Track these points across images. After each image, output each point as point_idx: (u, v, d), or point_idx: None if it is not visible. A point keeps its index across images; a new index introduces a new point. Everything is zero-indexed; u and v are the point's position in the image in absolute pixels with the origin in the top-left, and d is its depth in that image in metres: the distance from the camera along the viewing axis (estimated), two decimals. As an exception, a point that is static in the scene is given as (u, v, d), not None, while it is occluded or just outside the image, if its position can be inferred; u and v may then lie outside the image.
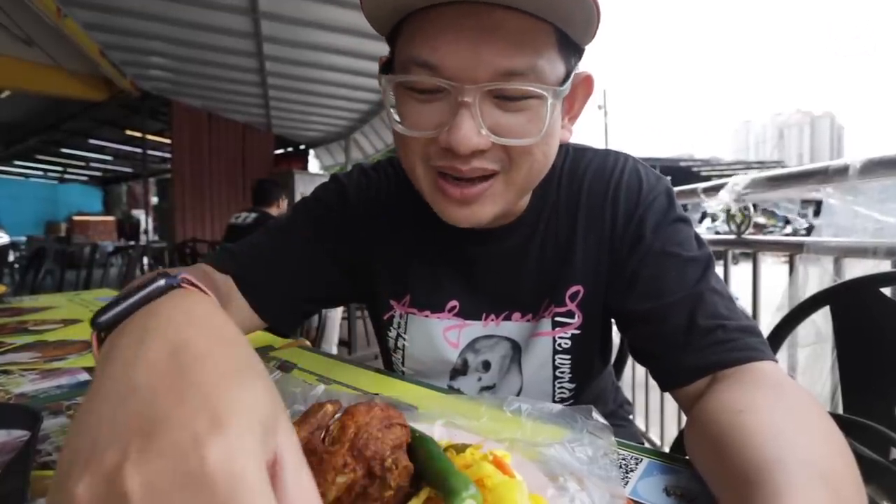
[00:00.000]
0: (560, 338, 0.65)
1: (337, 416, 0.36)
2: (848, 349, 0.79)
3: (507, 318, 0.67)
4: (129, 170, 13.82)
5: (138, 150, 7.47)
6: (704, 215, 1.72)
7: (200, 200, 6.17)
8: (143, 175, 7.25)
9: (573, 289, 0.64)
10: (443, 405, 0.54)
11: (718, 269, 0.60)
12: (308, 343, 0.91)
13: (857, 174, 1.10)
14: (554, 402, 0.63)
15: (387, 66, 0.56)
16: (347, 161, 7.72)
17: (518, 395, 0.68)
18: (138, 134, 6.64)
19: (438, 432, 0.44)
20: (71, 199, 17.60)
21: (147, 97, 5.54)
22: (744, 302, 1.47)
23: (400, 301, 0.70)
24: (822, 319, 0.86)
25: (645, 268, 0.58)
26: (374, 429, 0.33)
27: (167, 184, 7.41)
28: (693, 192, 1.71)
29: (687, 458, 0.45)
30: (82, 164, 13.32)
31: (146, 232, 7.38)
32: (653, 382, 1.11)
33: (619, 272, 0.61)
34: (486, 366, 0.68)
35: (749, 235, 1.57)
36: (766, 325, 0.87)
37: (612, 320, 0.68)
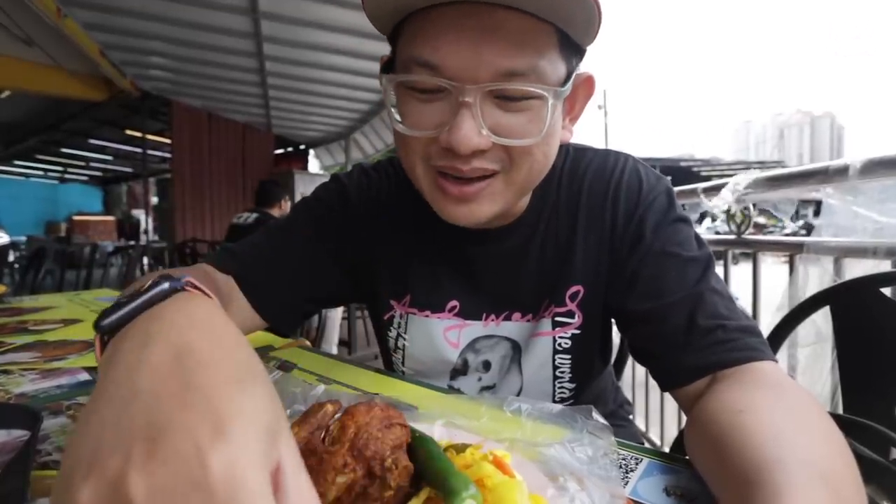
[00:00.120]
0: (560, 338, 0.65)
1: (337, 416, 0.36)
2: (848, 349, 0.79)
3: (508, 318, 0.67)
4: (129, 170, 13.82)
5: (138, 150, 7.47)
6: (703, 215, 1.72)
7: (200, 200, 6.17)
8: (143, 175, 7.25)
9: (573, 289, 0.64)
10: (443, 405, 0.54)
11: (718, 269, 0.60)
12: (308, 343, 0.91)
13: (857, 174, 1.10)
14: (554, 402, 0.63)
15: (388, 66, 0.56)
16: (347, 161, 7.72)
17: (518, 394, 0.68)
18: (138, 134, 6.64)
19: (438, 432, 0.44)
20: (71, 199, 17.60)
21: (147, 97, 5.54)
22: (744, 302, 1.47)
23: (400, 301, 0.70)
24: (822, 319, 0.86)
25: (645, 268, 0.58)
26: (374, 429, 0.33)
27: (167, 184, 7.41)
28: (693, 192, 1.71)
29: (687, 458, 0.45)
30: (82, 164, 13.32)
31: (146, 232, 7.38)
32: (653, 382, 1.11)
33: (619, 272, 0.61)
34: (487, 366, 0.68)
35: (749, 235, 1.57)
36: (766, 325, 0.87)
37: (613, 320, 0.68)
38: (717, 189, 1.59)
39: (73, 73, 4.93)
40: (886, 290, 0.77)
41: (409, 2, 0.47)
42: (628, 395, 1.12)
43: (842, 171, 1.13)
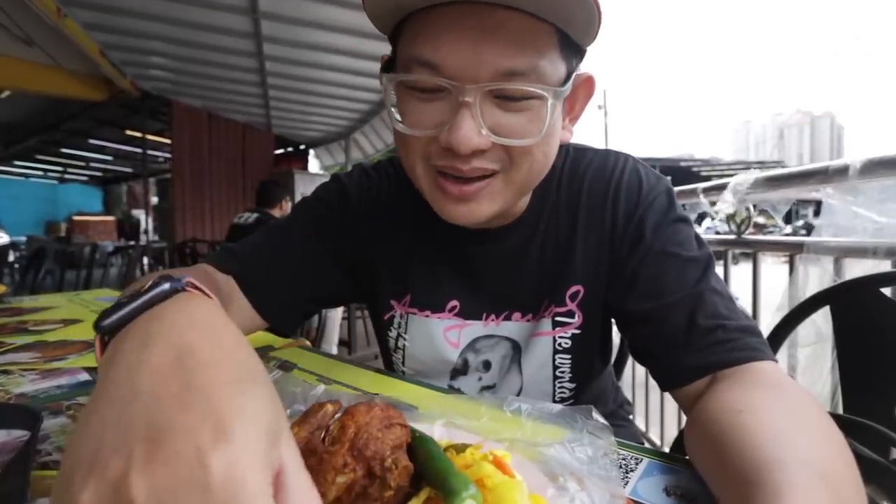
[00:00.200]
0: (560, 337, 0.65)
1: (337, 416, 0.36)
2: (848, 349, 0.79)
3: (508, 318, 0.67)
4: (129, 170, 13.82)
5: (138, 150, 7.47)
6: (703, 215, 1.71)
7: (200, 200, 6.17)
8: (143, 175, 7.25)
9: (573, 289, 0.64)
10: (443, 405, 0.54)
11: (718, 269, 0.60)
12: (308, 343, 0.91)
13: (857, 174, 1.10)
14: (554, 401, 0.63)
15: (388, 65, 0.56)
16: (347, 161, 7.72)
17: (518, 394, 0.68)
18: (138, 134, 6.64)
19: (438, 432, 0.44)
20: (71, 199, 17.60)
21: (147, 97, 5.54)
22: (744, 302, 1.47)
23: (400, 301, 0.70)
24: (822, 319, 0.86)
25: (645, 268, 0.58)
26: (374, 429, 0.33)
27: (167, 184, 7.41)
28: (693, 192, 1.71)
29: (687, 458, 0.45)
30: (82, 164, 13.32)
31: (146, 232, 7.38)
32: (653, 382, 1.11)
33: (619, 272, 0.61)
34: (487, 365, 0.68)
35: (749, 235, 1.57)
36: (766, 325, 0.87)
37: (613, 320, 0.68)
38: (716, 189, 1.59)
39: (73, 73, 4.93)
40: (886, 290, 0.77)
41: (409, 1, 0.47)
42: (628, 395, 1.12)
43: (842, 171, 1.13)
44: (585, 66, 0.55)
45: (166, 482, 0.20)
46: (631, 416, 0.91)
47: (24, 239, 10.95)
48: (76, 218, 14.98)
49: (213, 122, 6.26)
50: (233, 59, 4.60)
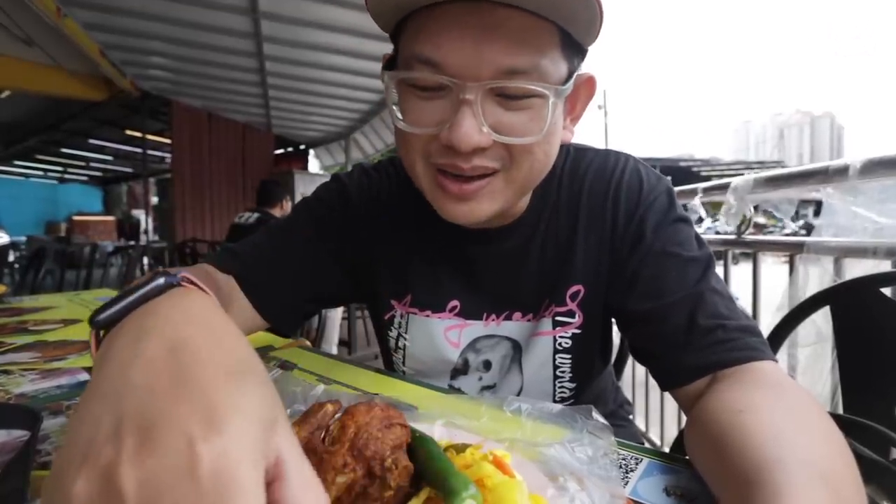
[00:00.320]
0: (560, 337, 0.65)
1: (337, 416, 0.36)
2: (848, 349, 0.79)
3: (508, 318, 0.67)
4: (129, 170, 13.82)
5: (138, 150, 7.47)
6: (702, 219, 1.72)
7: (200, 200, 6.17)
8: (143, 175, 7.25)
9: (574, 288, 0.64)
10: (443, 405, 0.54)
11: (718, 269, 0.60)
12: (308, 343, 0.91)
13: (857, 174, 1.09)
14: (554, 401, 0.63)
15: (390, 63, 0.56)
16: (347, 161, 7.72)
17: (518, 394, 0.68)
18: (138, 134, 6.64)
19: (438, 432, 0.44)
20: (71, 199, 17.60)
21: (147, 97, 5.54)
22: (744, 302, 1.47)
23: (401, 301, 0.70)
24: (822, 319, 0.86)
25: (645, 268, 0.58)
26: (374, 429, 0.33)
27: (167, 184, 7.40)
28: (693, 192, 1.71)
29: (687, 458, 0.45)
30: (82, 164, 13.32)
31: (146, 232, 7.38)
32: (653, 382, 1.11)
33: (619, 272, 0.61)
34: (487, 365, 0.68)
35: (749, 235, 1.57)
36: (766, 325, 0.87)
37: (613, 320, 0.68)
38: (716, 189, 1.59)
39: (73, 73, 4.93)
40: (886, 290, 0.77)
41: None
42: (628, 395, 1.12)
43: (842, 171, 1.13)
44: (585, 66, 0.55)
45: (156, 472, 0.20)
46: (631, 416, 0.90)
47: (24, 239, 10.96)
48: (76, 218, 14.98)
49: (213, 122, 6.25)
50: (233, 59, 4.60)
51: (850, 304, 0.78)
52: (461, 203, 0.54)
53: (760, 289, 1.54)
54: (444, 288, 0.68)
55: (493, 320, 0.67)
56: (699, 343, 0.51)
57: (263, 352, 0.82)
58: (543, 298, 0.66)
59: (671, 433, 1.84)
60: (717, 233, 1.72)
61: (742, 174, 1.54)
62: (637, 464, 0.45)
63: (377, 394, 0.58)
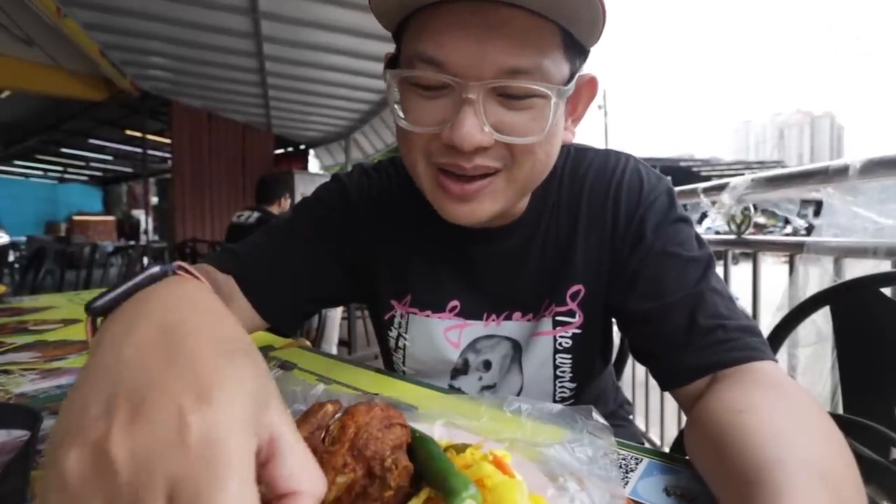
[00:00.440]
0: (561, 337, 0.65)
1: (337, 416, 0.36)
2: (848, 349, 0.79)
3: (508, 318, 0.67)
4: (129, 170, 13.81)
5: (138, 150, 7.46)
6: (704, 215, 1.72)
7: (200, 200, 6.16)
8: (143, 175, 7.25)
9: (574, 288, 0.64)
10: (443, 405, 0.54)
11: (718, 269, 0.60)
12: (308, 343, 0.91)
13: (857, 174, 1.09)
14: (554, 401, 0.63)
15: (392, 62, 0.56)
16: (347, 161, 7.71)
17: (519, 394, 0.68)
18: (138, 134, 6.63)
19: (438, 432, 0.44)
20: (71, 199, 17.59)
21: (147, 97, 5.53)
22: (744, 302, 1.47)
23: (401, 301, 0.70)
24: (822, 319, 0.86)
25: (646, 268, 0.58)
26: (374, 429, 0.33)
27: (167, 184, 7.41)
28: (693, 192, 1.71)
29: (687, 458, 0.45)
30: (82, 164, 13.31)
31: (146, 232, 7.37)
32: (653, 382, 1.11)
33: (619, 272, 0.61)
34: (487, 365, 0.68)
35: (749, 235, 1.57)
36: (766, 325, 0.87)
37: (613, 320, 0.68)
38: (717, 189, 1.58)
39: (73, 73, 4.93)
40: (886, 290, 0.77)
41: None
42: (628, 395, 1.12)
43: (842, 171, 1.13)
44: (586, 66, 0.55)
45: (147, 442, 0.20)
46: (631, 416, 0.91)
47: (24, 239, 10.95)
48: (76, 218, 14.97)
49: (212, 122, 6.25)
50: (233, 59, 4.60)
51: (850, 304, 0.78)
52: (462, 203, 0.54)
53: (760, 289, 1.54)
54: (444, 288, 0.68)
55: (494, 320, 0.67)
56: (699, 343, 0.51)
57: (263, 352, 0.81)
58: (543, 298, 0.66)
59: (671, 433, 1.84)
60: (718, 233, 1.73)
61: (742, 174, 1.54)
62: (637, 464, 0.45)
63: (377, 394, 0.58)
